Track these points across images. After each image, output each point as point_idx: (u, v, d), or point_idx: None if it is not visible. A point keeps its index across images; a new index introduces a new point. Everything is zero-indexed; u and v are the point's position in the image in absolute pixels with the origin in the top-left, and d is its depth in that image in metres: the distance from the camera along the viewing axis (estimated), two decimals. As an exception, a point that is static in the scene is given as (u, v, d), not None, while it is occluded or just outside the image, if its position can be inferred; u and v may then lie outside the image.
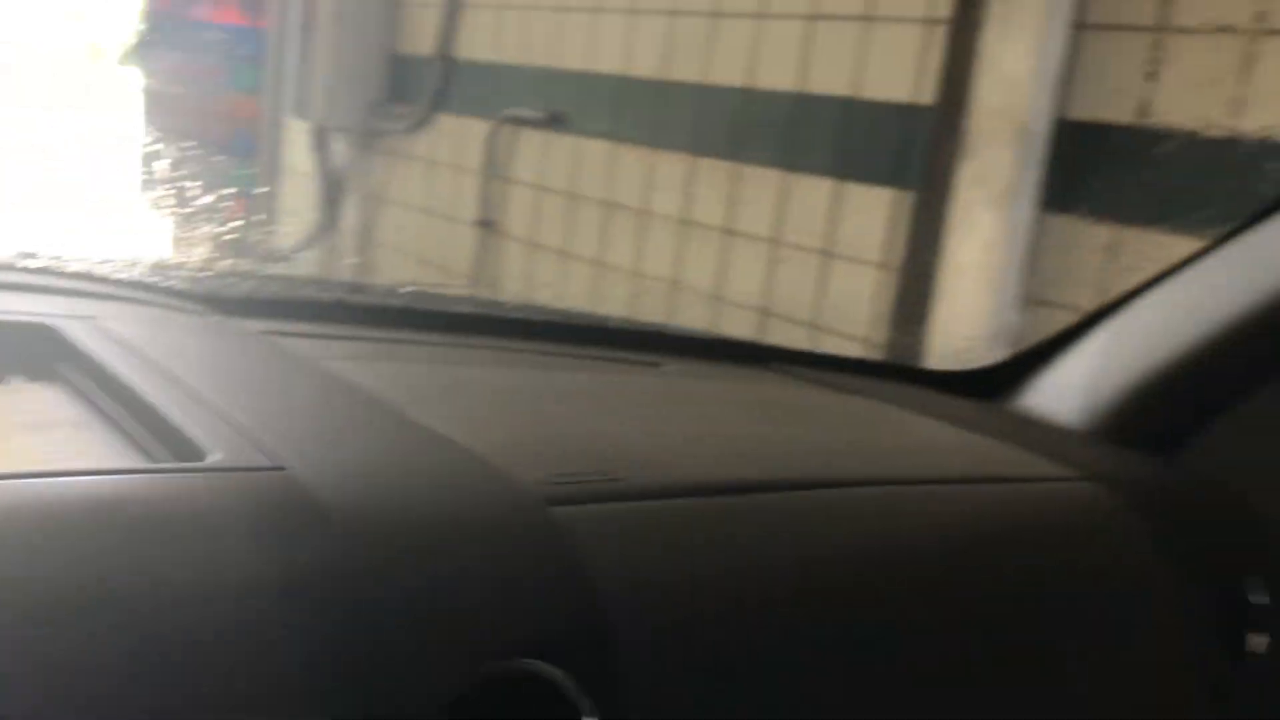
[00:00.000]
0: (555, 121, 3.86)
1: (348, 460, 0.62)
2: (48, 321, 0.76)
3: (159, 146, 4.59)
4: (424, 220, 4.44)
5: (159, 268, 1.01)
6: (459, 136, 4.26)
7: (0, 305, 0.81)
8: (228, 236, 4.16)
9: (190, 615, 0.49)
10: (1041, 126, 2.58)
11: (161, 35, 4.60)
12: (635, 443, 0.78)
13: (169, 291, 0.91)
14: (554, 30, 3.88)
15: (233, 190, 4.63)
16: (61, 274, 0.92)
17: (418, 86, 4.40)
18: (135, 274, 0.95)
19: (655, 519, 0.65)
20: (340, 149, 4.77)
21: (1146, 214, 2.39)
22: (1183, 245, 2.28)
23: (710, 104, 3.40)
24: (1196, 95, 2.35)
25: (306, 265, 4.39)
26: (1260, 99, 2.24)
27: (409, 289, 1.12)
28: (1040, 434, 1.06)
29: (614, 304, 3.56)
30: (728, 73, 3.34)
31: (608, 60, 3.70)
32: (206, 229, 4.32)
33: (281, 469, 0.57)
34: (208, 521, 0.52)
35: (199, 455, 0.58)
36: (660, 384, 1.04)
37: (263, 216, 4.78)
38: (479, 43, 4.18)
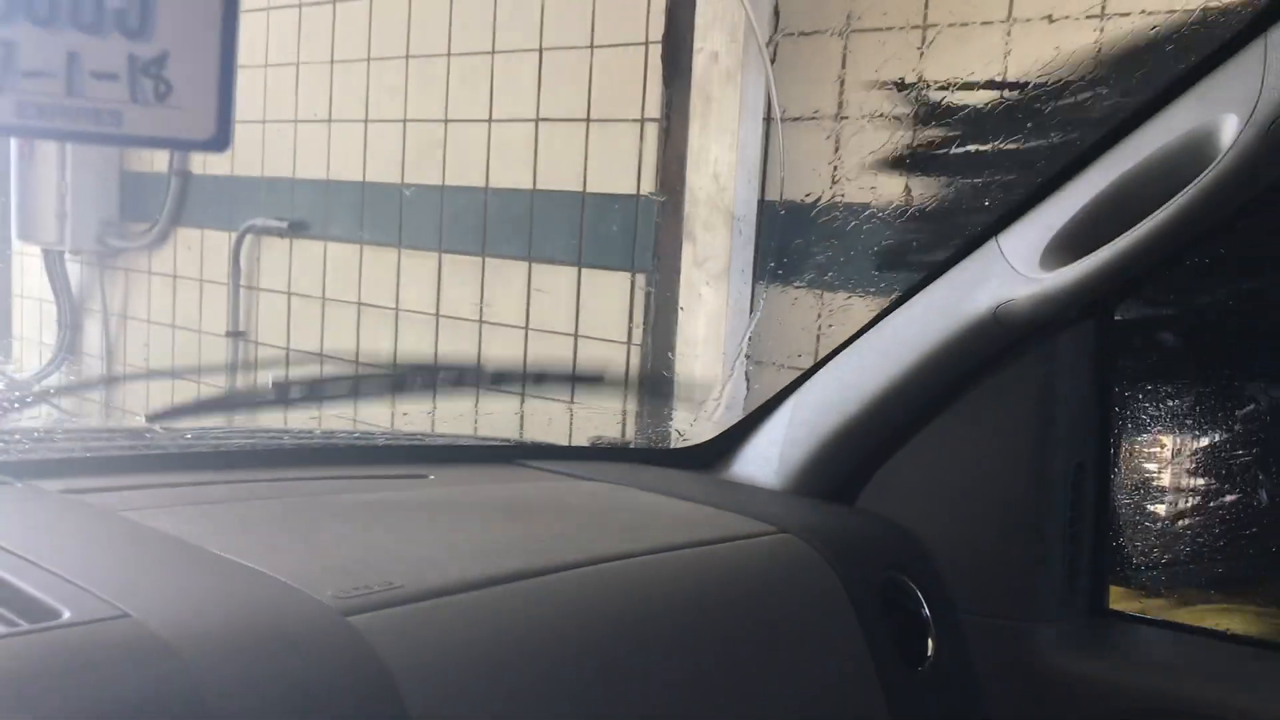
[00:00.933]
0: (298, 229, 3.96)
1: (178, 600, 0.75)
2: None
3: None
4: (172, 335, 4.41)
5: None
6: (201, 249, 4.27)
7: None
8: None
9: None
10: (748, 211, 2.91)
11: None
12: (409, 552, 0.95)
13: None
14: (291, 141, 3.98)
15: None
16: None
17: (154, 203, 4.39)
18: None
19: (433, 616, 0.82)
20: (77, 270, 4.67)
21: (840, 279, 2.74)
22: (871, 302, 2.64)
23: (452, 204, 3.59)
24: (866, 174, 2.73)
25: (51, 392, 4.26)
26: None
27: (192, 431, 1.23)
28: (745, 496, 1.29)
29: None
30: (467, 174, 3.55)
31: (346, 168, 3.84)
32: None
33: (128, 616, 0.71)
34: (78, 668, 0.66)
35: (53, 614, 0.71)
36: (427, 494, 1.20)
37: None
38: (211, 157, 4.23)
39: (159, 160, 4.32)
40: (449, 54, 3.56)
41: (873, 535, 1.24)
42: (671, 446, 1.45)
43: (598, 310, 3.28)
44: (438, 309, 3.65)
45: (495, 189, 3.50)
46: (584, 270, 3.30)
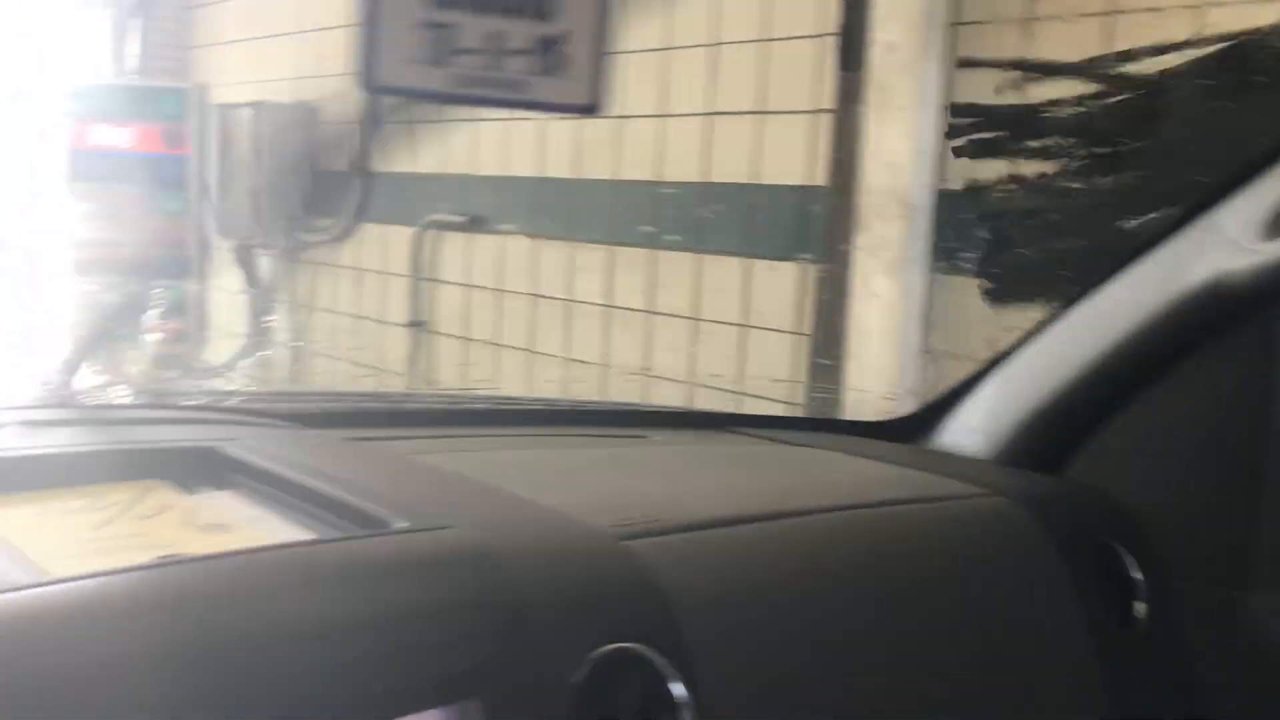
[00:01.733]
0: (477, 224, 4.12)
1: (488, 518, 0.85)
2: (208, 444, 0.98)
3: (91, 269, 4.73)
4: (355, 325, 4.64)
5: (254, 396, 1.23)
6: (384, 244, 4.49)
7: (148, 435, 1.02)
8: (167, 354, 4.30)
9: (413, 628, 0.72)
10: (924, 199, 2.92)
11: (85, 168, 4.76)
12: (656, 492, 1.03)
13: (265, 413, 1.14)
14: (469, 139, 4.16)
15: (164, 311, 4.78)
16: (186, 407, 1.13)
17: (339, 200, 4.63)
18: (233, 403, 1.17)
19: (694, 545, 0.90)
20: (268, 264, 4.97)
21: (1018, 267, 2.74)
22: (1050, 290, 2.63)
23: (623, 198, 3.70)
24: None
25: (245, 377, 4.55)
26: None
27: (442, 393, 1.35)
28: (953, 464, 1.33)
29: (550, 387, 3.80)
30: (637, 169, 3.64)
31: (524, 164, 3.98)
32: (146, 350, 4.46)
33: (451, 527, 0.81)
34: (411, 568, 0.76)
35: (384, 525, 0.81)
36: (651, 451, 1.29)
37: (197, 334, 4.93)
38: (396, 155, 4.44)
39: (345, 159, 4.56)
40: (625, 50, 3.67)
41: (1085, 502, 1.26)
42: (874, 420, 1.50)
43: (769, 301, 3.34)
44: (610, 300, 3.76)
45: (667, 182, 3.59)
46: (754, 261, 3.36)
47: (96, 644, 0.63)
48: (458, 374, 4.19)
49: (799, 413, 2.26)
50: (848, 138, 3.06)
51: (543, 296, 3.96)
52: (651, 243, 3.62)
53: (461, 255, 4.23)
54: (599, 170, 3.77)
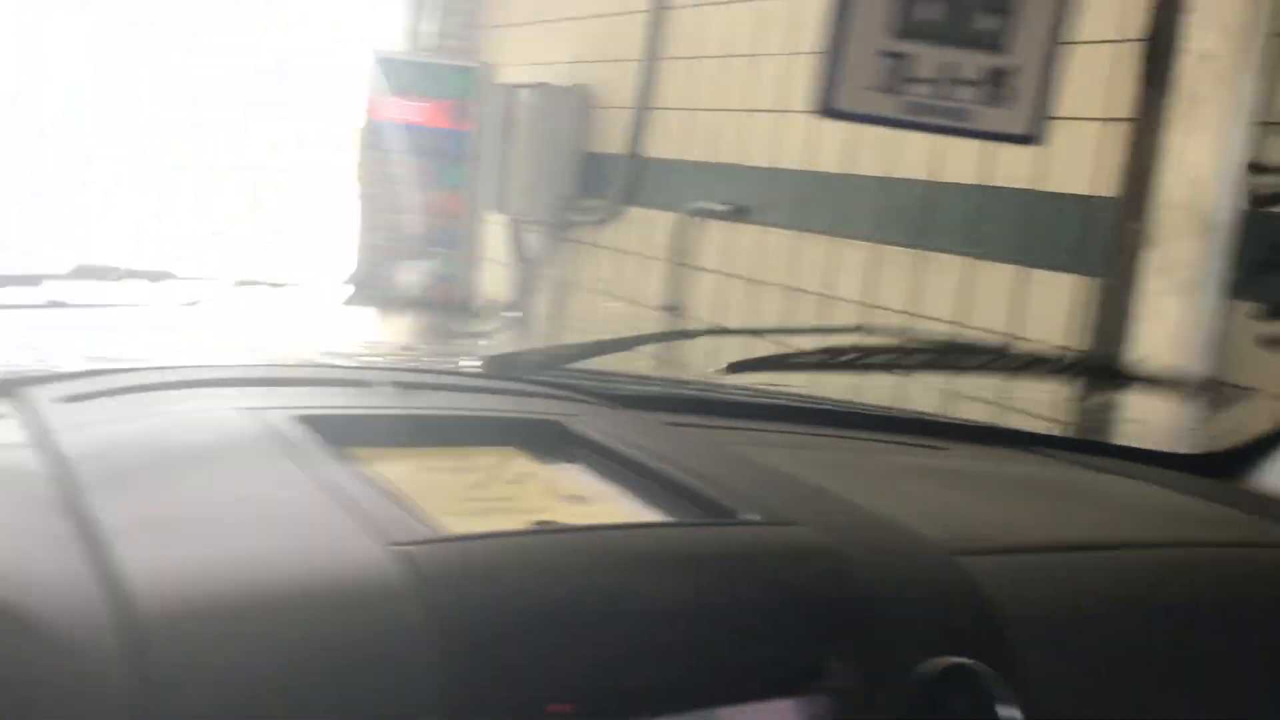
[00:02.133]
0: (739, 213, 4.16)
1: (827, 518, 0.88)
2: (554, 417, 1.05)
3: (374, 239, 5.06)
4: (611, 305, 4.77)
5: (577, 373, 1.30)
6: (646, 228, 4.59)
7: (486, 404, 1.10)
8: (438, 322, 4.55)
9: (763, 618, 0.76)
10: (1226, 218, 2.75)
11: (379, 139, 5.08)
12: (978, 511, 1.03)
13: (589, 391, 1.20)
14: (739, 129, 4.19)
15: (437, 279, 5.06)
16: (514, 379, 1.21)
17: (607, 182, 4.76)
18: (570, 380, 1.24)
19: (1027, 569, 0.89)
20: (535, 240, 5.17)
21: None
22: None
23: (893, 195, 3.64)
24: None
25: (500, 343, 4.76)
26: None
27: (747, 387, 1.39)
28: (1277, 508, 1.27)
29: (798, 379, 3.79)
30: (911, 166, 3.58)
31: (791, 156, 3.99)
32: (414, 316, 4.73)
33: (799, 525, 0.84)
34: (762, 558, 0.80)
35: (733, 515, 0.85)
36: (961, 465, 1.28)
37: (464, 303, 5.19)
38: (666, 142, 4.53)
39: (619, 142, 4.69)
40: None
41: None
42: (1184, 452, 1.44)
43: (1039, 313, 3.22)
44: (872, 300, 3.72)
45: (939, 182, 3.51)
46: (1030, 271, 3.25)
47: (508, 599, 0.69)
48: (710, 360, 4.25)
49: (1095, 437, 2.18)
50: (1146, 149, 2.91)
51: (801, 291, 3.96)
52: (920, 243, 3.56)
53: (722, 244, 4.27)
54: (871, 166, 3.73)
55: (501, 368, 1.24)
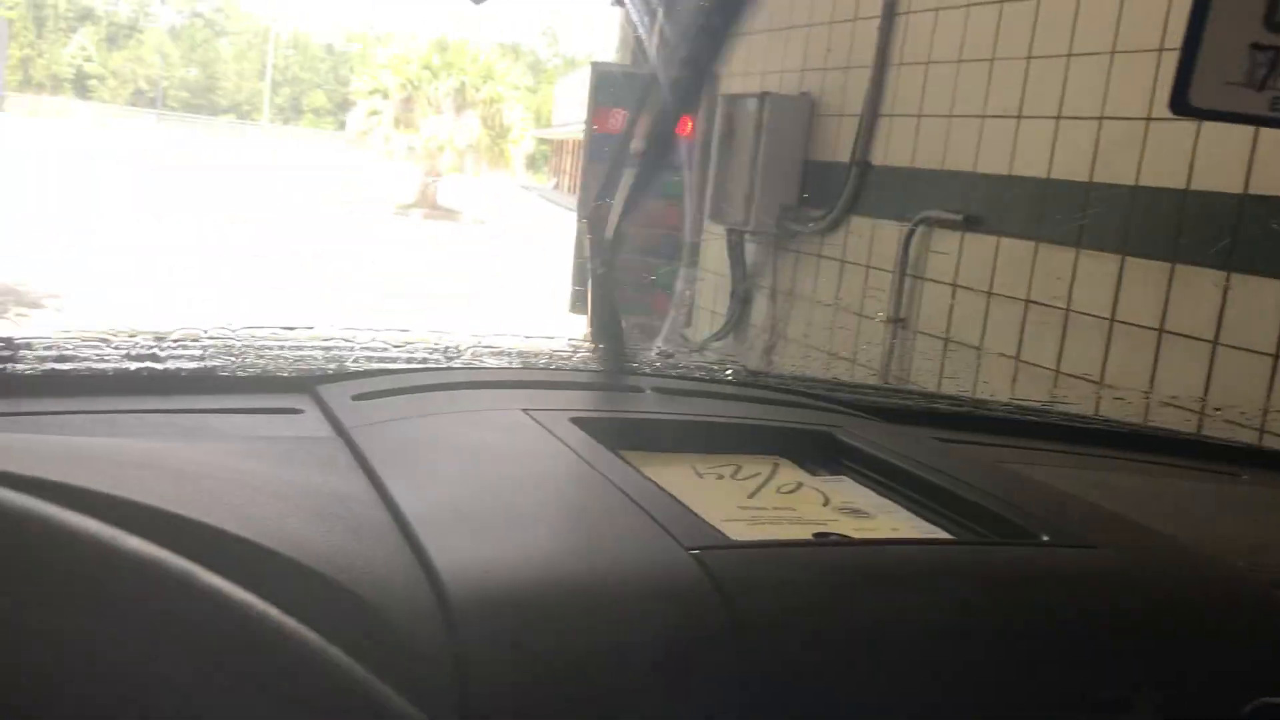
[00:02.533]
0: (972, 222, 4.01)
1: (1121, 542, 0.81)
2: (824, 428, 1.02)
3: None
4: (834, 316, 4.69)
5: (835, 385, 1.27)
6: (871, 237, 4.49)
7: (753, 412, 1.08)
8: (653, 327, 4.60)
9: (1063, 643, 0.70)
10: None
11: (601, 150, 5.18)
12: (1277, 542, 0.93)
13: (854, 403, 1.16)
14: (971, 135, 4.05)
15: (656, 288, 5.11)
16: (778, 388, 1.19)
17: (829, 190, 4.69)
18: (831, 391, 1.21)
19: None
20: (753, 250, 5.15)
21: None
22: None
23: (1143, 204, 3.43)
24: None
25: (719, 355, 4.75)
26: None
27: (1012, 403, 1.33)
28: None
29: (1039, 399, 3.62)
30: (1163, 175, 3.37)
31: (1029, 164, 3.82)
32: (633, 321, 4.79)
33: (1095, 547, 0.78)
34: (1059, 581, 0.74)
35: (1018, 533, 0.79)
36: (1248, 491, 1.17)
37: (683, 312, 5.22)
38: (893, 149, 4.42)
39: (841, 150, 4.61)
40: (1160, 49, 3.40)
41: None
42: None
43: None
44: (1112, 313, 3.52)
45: (1196, 191, 3.29)
46: (1298, 285, 2.99)
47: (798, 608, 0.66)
48: (934, 376, 4.12)
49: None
50: None
51: (1036, 303, 3.78)
52: (1171, 255, 3.34)
53: (951, 254, 4.13)
54: (1116, 174, 3.53)
55: (760, 376, 1.21)
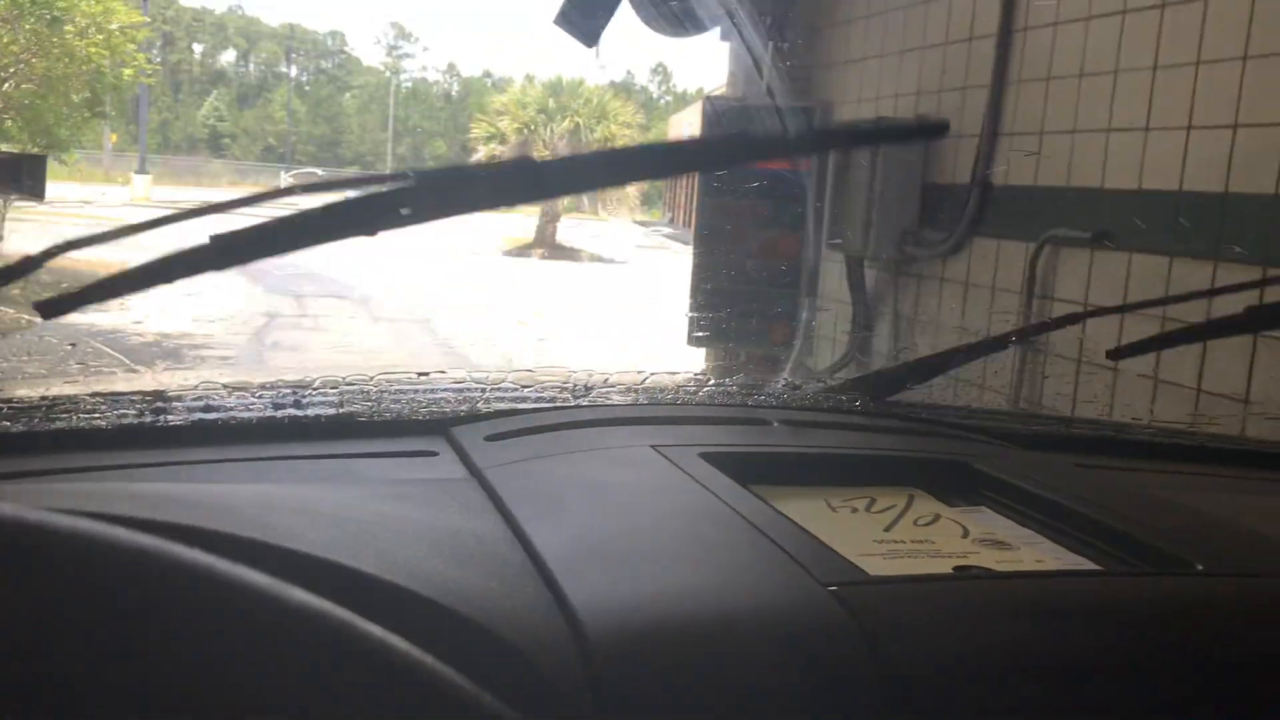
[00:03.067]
0: (1101, 239, 3.89)
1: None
2: (960, 458, 1.00)
3: (714, 279, 5.15)
4: (959, 340, 4.59)
5: (977, 413, 1.24)
6: (996, 259, 4.40)
7: (889, 444, 1.06)
8: (773, 358, 4.57)
9: (1226, 675, 0.67)
10: None
11: (715, 182, 5.20)
12: None
13: (988, 430, 1.13)
14: (1097, 151, 3.94)
15: (778, 318, 5.09)
16: (908, 418, 1.17)
17: (950, 213, 4.61)
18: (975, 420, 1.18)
19: None
20: (873, 276, 5.09)
21: None
22: None
23: (1284, 214, 3.29)
24: None
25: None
26: None
27: (1151, 426, 1.28)
28: None
29: (1182, 420, 3.48)
30: (1306, 181, 3.23)
31: (1160, 177, 3.70)
32: (753, 351, 4.78)
33: (1250, 576, 0.74)
34: (1218, 612, 0.71)
35: (1170, 563, 0.76)
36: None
37: (803, 341, 5.19)
38: (1015, 168, 4.33)
39: (961, 172, 4.53)
40: (1295, 50, 3.26)
41: None
42: None
43: None
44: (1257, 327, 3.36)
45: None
46: None
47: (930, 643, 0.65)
48: (1067, 398, 4.00)
49: None
50: None
51: (1173, 320, 3.64)
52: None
53: (1081, 273, 4.02)
54: (1254, 184, 3.38)
55: (889, 405, 1.19)
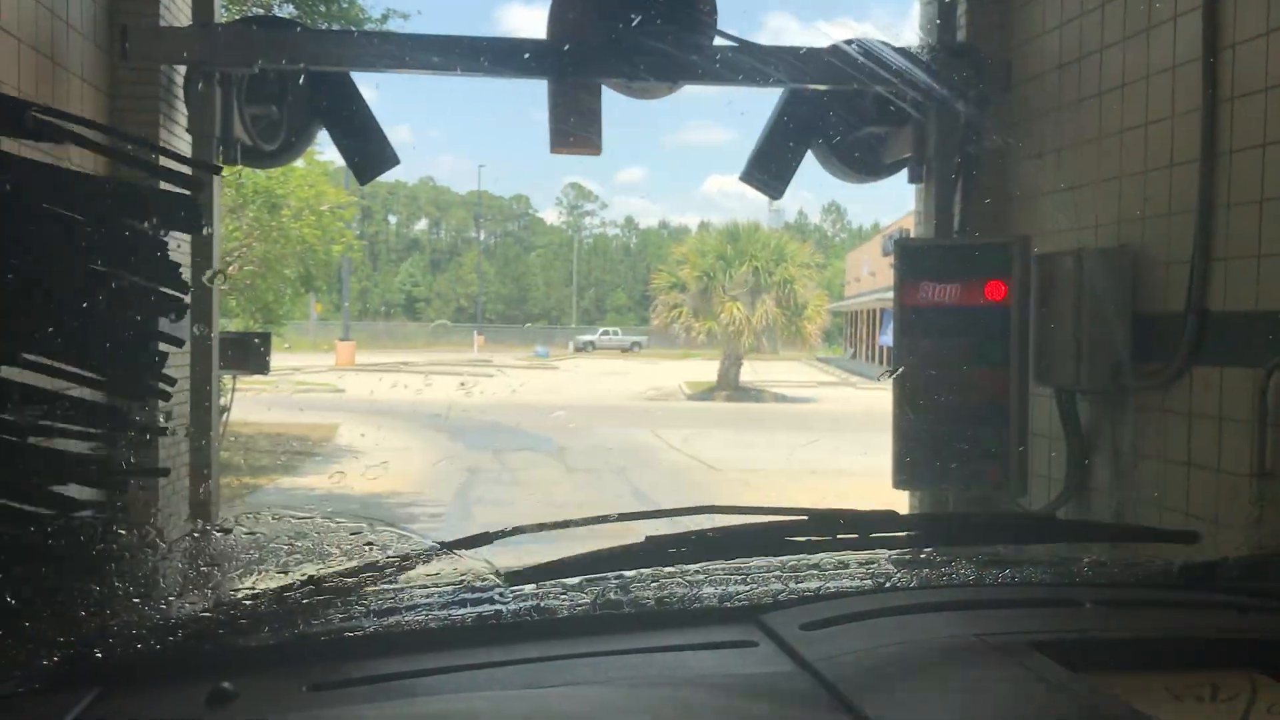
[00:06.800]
0: (1337, 362, 3.69)
1: None
2: None
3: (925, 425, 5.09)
4: (1187, 474, 4.38)
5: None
6: (1220, 387, 4.20)
7: (1212, 621, 1.03)
8: (990, 500, 4.43)
9: None
10: None
11: (913, 322, 5.18)
12: None
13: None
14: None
15: (987, 459, 4.96)
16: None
17: (1164, 342, 4.45)
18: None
19: None
20: (1086, 409, 4.93)
21: None
22: None
23: None
24: None
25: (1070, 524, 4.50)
26: None
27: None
28: None
29: None
30: None
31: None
32: (971, 495, 4.65)
33: None
34: None
35: None
36: None
37: (1016, 480, 5.04)
38: (1232, 293, 4.17)
39: (1172, 299, 4.39)
40: None
41: None
42: None
43: None
44: None
45: None
46: None
47: None
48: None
49: None
50: None
51: None
52: None
53: (1318, 398, 3.79)
54: None
55: (1203, 575, 1.15)
